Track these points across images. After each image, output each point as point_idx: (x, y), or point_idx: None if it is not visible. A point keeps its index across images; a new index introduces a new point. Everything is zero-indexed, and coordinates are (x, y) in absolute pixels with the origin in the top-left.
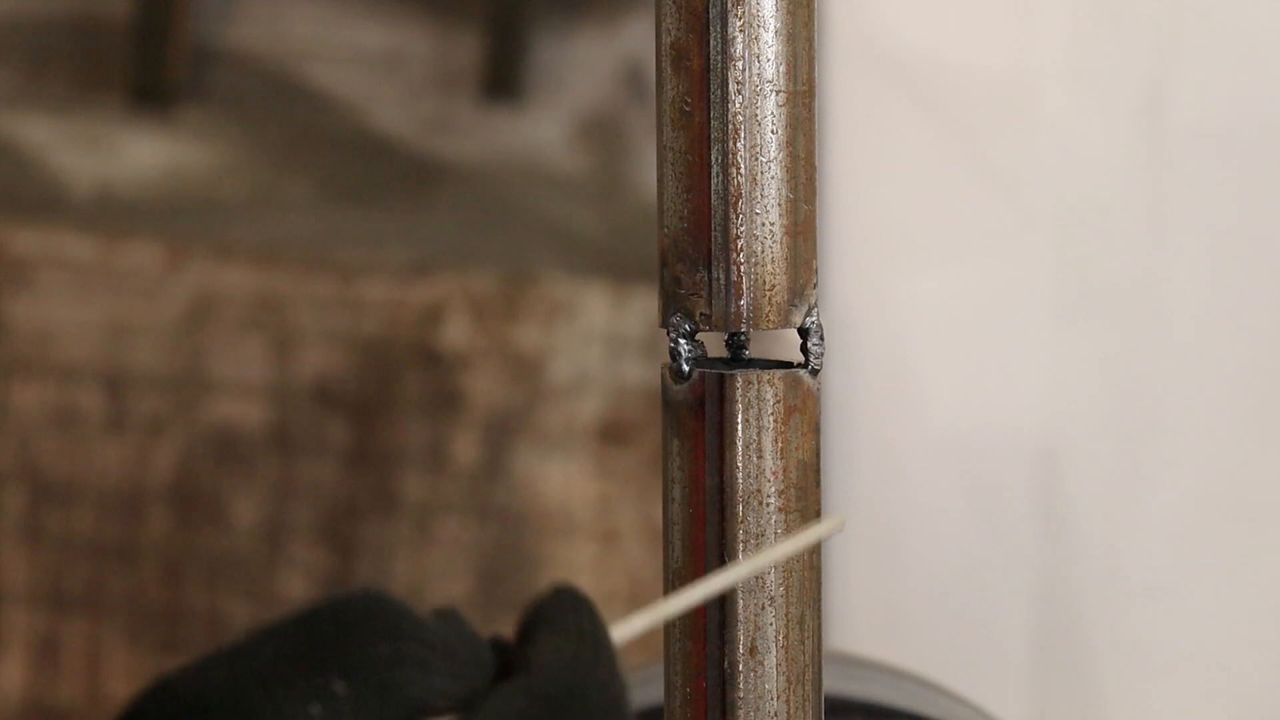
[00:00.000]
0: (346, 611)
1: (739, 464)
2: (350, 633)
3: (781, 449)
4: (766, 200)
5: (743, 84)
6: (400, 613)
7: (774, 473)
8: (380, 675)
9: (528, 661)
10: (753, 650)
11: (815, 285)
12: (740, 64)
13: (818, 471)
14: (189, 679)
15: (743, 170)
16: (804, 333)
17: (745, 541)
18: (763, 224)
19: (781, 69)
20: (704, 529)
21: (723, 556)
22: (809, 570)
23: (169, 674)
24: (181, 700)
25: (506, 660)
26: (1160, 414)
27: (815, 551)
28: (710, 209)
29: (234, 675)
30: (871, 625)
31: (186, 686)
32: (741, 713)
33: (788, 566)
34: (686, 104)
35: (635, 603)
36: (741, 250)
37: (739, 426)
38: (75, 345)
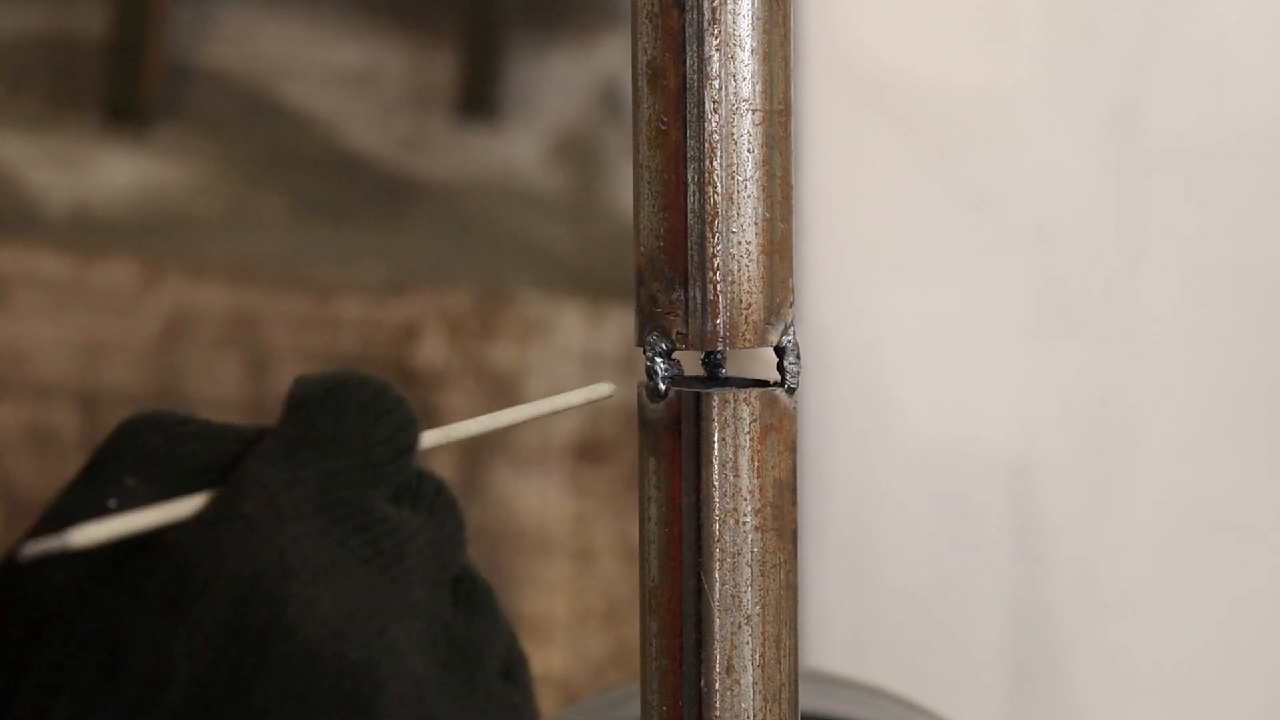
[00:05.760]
0: (124, 427)
1: (715, 483)
2: (129, 438)
3: (758, 468)
4: (743, 219)
5: (719, 103)
6: (168, 412)
7: (750, 491)
8: (161, 457)
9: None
10: (729, 669)
11: (791, 304)
12: (716, 83)
13: (794, 490)
14: (52, 513)
15: (719, 189)
16: (780, 351)
17: (722, 560)
18: (739, 243)
19: (758, 88)
20: (680, 547)
21: (699, 575)
22: (785, 589)
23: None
24: (45, 521)
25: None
26: (1133, 428)
27: (792, 571)
28: (687, 228)
29: (63, 494)
30: (847, 643)
31: (51, 514)
32: None
33: (764, 586)
34: (663, 123)
35: (611, 621)
36: (718, 269)
37: (715, 445)
38: (50, 363)
